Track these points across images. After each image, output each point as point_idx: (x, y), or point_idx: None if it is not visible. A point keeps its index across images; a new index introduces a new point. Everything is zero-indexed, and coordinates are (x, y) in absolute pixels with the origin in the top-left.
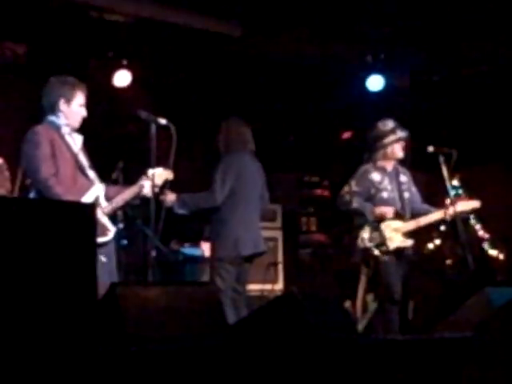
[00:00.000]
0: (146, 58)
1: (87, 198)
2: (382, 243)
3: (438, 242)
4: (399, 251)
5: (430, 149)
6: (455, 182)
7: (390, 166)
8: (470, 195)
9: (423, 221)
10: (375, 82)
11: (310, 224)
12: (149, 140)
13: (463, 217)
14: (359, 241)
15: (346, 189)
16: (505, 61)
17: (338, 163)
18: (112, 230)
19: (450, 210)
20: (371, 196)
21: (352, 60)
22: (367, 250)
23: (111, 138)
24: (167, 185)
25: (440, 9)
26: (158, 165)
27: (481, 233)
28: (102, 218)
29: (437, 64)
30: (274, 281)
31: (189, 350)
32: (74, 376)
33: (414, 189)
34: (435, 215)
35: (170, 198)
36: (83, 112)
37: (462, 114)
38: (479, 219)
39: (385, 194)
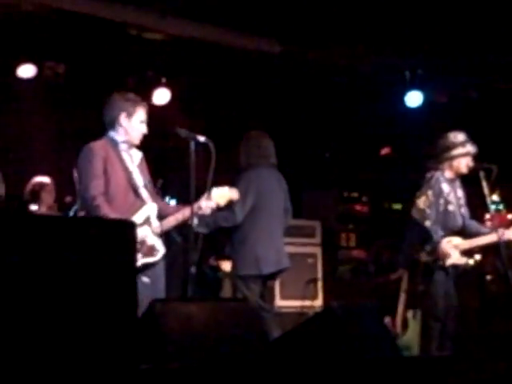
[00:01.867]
0: (185, 76)
1: (137, 218)
2: (440, 258)
3: (478, 257)
4: (453, 268)
5: (470, 164)
6: (495, 197)
7: (454, 178)
8: (510, 210)
9: (482, 241)
10: (414, 98)
11: (349, 240)
12: (188, 157)
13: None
14: (421, 255)
15: (423, 199)
16: None
17: (376, 179)
18: (161, 251)
19: (506, 234)
20: (439, 206)
21: (391, 76)
22: (425, 264)
23: (150, 156)
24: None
25: (479, 24)
26: (197, 182)
27: None
28: (152, 238)
29: (475, 79)
30: (314, 297)
31: (229, 366)
32: None
33: (465, 204)
34: (492, 237)
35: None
36: (144, 129)
37: (502, 128)
38: None
39: (451, 207)
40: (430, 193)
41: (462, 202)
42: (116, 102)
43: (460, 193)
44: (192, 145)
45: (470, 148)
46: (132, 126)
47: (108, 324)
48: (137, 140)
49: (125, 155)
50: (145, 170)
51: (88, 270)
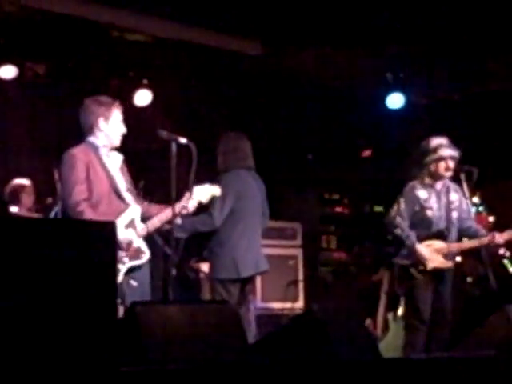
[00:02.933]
0: (167, 78)
1: (122, 221)
2: (419, 262)
3: (458, 259)
4: (437, 272)
5: (450, 167)
6: (476, 199)
7: (439, 183)
8: (491, 212)
9: (467, 245)
10: (395, 100)
11: (330, 242)
12: (169, 159)
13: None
14: (397, 258)
15: (395, 208)
16: None
17: (358, 181)
18: (147, 253)
19: (496, 238)
20: (415, 213)
21: (372, 78)
22: (403, 267)
23: (131, 157)
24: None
25: (460, 26)
26: (177, 184)
27: (502, 251)
28: (137, 240)
29: (457, 81)
30: (295, 299)
31: (210, 368)
32: None
33: (465, 207)
34: (479, 241)
35: None
36: (122, 128)
37: (483, 130)
38: None
39: (429, 213)
40: (401, 200)
41: (455, 206)
42: (91, 108)
43: (454, 197)
44: (173, 146)
45: (444, 152)
46: (111, 128)
47: (87, 326)
48: (117, 141)
49: (106, 159)
50: (126, 173)
51: (68, 271)
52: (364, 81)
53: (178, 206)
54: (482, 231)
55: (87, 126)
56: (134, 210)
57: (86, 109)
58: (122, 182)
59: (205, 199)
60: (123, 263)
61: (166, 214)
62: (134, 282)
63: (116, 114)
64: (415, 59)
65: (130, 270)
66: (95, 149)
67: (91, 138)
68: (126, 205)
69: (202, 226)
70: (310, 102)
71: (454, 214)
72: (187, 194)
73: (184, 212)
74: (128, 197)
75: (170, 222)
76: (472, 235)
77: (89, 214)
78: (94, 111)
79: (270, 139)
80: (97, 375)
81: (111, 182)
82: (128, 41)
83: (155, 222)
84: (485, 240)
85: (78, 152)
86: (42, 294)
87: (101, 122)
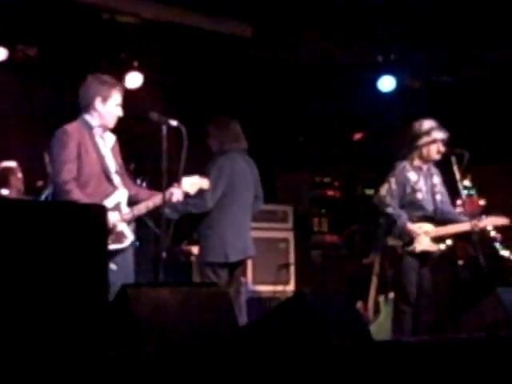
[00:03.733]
0: (158, 60)
1: (107, 204)
2: (409, 243)
3: (449, 242)
4: (424, 254)
5: (441, 149)
6: (467, 182)
7: (425, 166)
8: (482, 195)
9: (453, 229)
10: (386, 83)
11: (321, 225)
12: (160, 141)
13: (473, 217)
14: (388, 238)
15: (385, 186)
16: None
17: (349, 164)
18: (129, 238)
19: (481, 223)
20: (406, 195)
21: (363, 61)
22: (392, 248)
23: (122, 140)
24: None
25: (452, 9)
26: (168, 166)
27: (493, 233)
28: (121, 224)
29: (448, 64)
30: (286, 282)
31: (200, 351)
32: (85, 379)
33: (444, 190)
34: (465, 226)
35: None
36: (119, 112)
37: (474, 114)
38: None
39: (419, 195)
40: (392, 180)
41: (438, 189)
42: (91, 86)
43: (436, 180)
44: (164, 129)
45: (437, 135)
46: (107, 110)
47: (78, 309)
48: (112, 124)
49: (99, 140)
50: (117, 154)
51: (58, 254)
52: (355, 63)
53: (167, 193)
54: (463, 215)
55: (84, 103)
56: (121, 193)
57: (86, 85)
58: (112, 164)
59: (192, 191)
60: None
61: (153, 201)
62: (113, 266)
63: (115, 97)
64: (406, 42)
65: (111, 254)
66: (89, 128)
67: (86, 116)
68: (114, 187)
69: (194, 207)
70: (301, 85)
71: (438, 197)
72: (176, 184)
73: (173, 199)
74: (116, 179)
75: (156, 209)
76: (453, 219)
77: (76, 194)
78: (93, 89)
79: (261, 122)
80: (87, 358)
81: (101, 163)
82: (119, 23)
83: (141, 208)
84: (470, 225)
85: (71, 129)
86: (31, 277)
87: (98, 101)
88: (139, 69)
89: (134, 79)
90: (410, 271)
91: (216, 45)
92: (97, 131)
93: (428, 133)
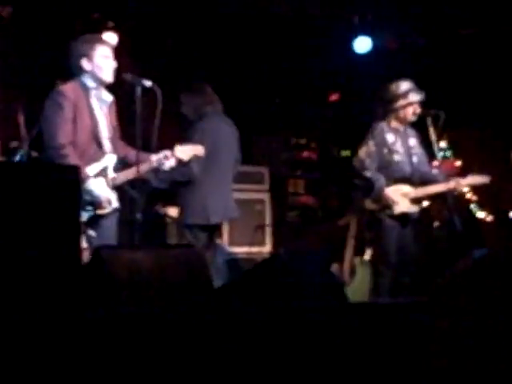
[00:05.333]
0: (133, 20)
1: (94, 168)
2: (387, 206)
3: (425, 203)
4: (404, 216)
5: (417, 111)
6: (443, 144)
7: (402, 127)
8: (458, 157)
9: (433, 189)
10: (362, 44)
11: (297, 186)
12: (134, 102)
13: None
14: (365, 202)
15: (364, 149)
16: (494, 22)
17: (325, 125)
18: (113, 205)
19: (461, 182)
20: (383, 156)
21: (339, 21)
22: (371, 212)
23: None
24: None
25: None
26: (143, 128)
27: (468, 195)
28: (105, 190)
29: (425, 25)
30: (262, 243)
31: (175, 312)
32: (59, 341)
33: (421, 152)
34: (444, 186)
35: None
36: (110, 64)
37: (450, 74)
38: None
39: (396, 157)
40: (371, 143)
41: (415, 151)
42: (74, 49)
43: (412, 142)
44: (138, 90)
45: (414, 97)
46: (96, 65)
47: (52, 271)
48: (108, 77)
49: (94, 102)
50: (113, 114)
51: (31, 215)
52: (331, 24)
53: (154, 161)
54: (442, 175)
55: (75, 68)
56: (109, 158)
57: (70, 51)
58: (105, 129)
59: (186, 158)
60: (86, 211)
61: (133, 171)
62: (92, 233)
63: (100, 50)
64: (382, 2)
65: (93, 219)
66: (86, 89)
67: (83, 78)
68: (103, 153)
69: (181, 176)
70: (277, 46)
71: (415, 159)
72: (166, 153)
73: (166, 166)
74: (107, 144)
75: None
76: (431, 179)
77: (73, 159)
78: (76, 52)
79: (237, 83)
80: (62, 320)
81: (94, 127)
82: None
83: (128, 174)
84: (450, 184)
85: (67, 90)
86: (5, 238)
87: (84, 62)
88: (114, 29)
89: (108, 39)
90: (390, 233)
91: (190, 5)
92: (93, 93)
93: (404, 95)
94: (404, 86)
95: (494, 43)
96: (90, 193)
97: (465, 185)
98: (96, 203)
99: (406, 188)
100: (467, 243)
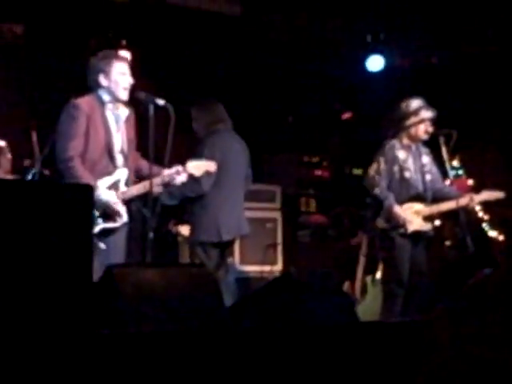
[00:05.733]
0: (146, 39)
1: (105, 182)
2: (398, 225)
3: (437, 222)
4: (416, 234)
5: (429, 129)
6: (455, 163)
7: (414, 145)
8: (470, 176)
9: (445, 206)
10: (375, 63)
11: (309, 205)
12: (147, 121)
13: None
14: (377, 221)
15: (374, 167)
16: (506, 41)
17: (337, 143)
18: (123, 217)
19: (475, 198)
20: (394, 174)
21: (352, 40)
22: (383, 231)
23: None
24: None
25: None
26: (156, 145)
27: (480, 214)
28: (116, 204)
29: (437, 44)
30: (273, 262)
31: (185, 331)
32: (70, 358)
33: (434, 169)
34: (458, 202)
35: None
36: (128, 80)
37: (463, 94)
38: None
39: (407, 174)
40: (381, 160)
41: (428, 168)
42: (92, 65)
43: (425, 159)
44: (151, 108)
45: (425, 114)
46: (113, 81)
47: (63, 289)
48: (123, 95)
49: (109, 115)
50: (130, 128)
51: (44, 233)
52: (344, 43)
53: (166, 176)
54: (455, 192)
55: (93, 84)
56: (121, 172)
57: (89, 66)
58: (119, 143)
59: (198, 174)
60: (96, 224)
61: (144, 185)
62: (102, 245)
63: (118, 66)
64: (395, 21)
65: (102, 233)
66: (101, 103)
67: (100, 91)
68: (115, 167)
69: (191, 192)
70: (291, 64)
71: (428, 177)
72: (178, 168)
73: (178, 181)
74: (120, 159)
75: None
76: (445, 197)
77: (80, 171)
78: (94, 67)
79: (251, 101)
80: (73, 337)
81: (107, 140)
82: (107, 1)
83: (139, 188)
84: (463, 201)
85: (81, 103)
86: (17, 257)
87: (101, 77)
88: (127, 47)
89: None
90: (402, 253)
91: (205, 23)
92: (109, 106)
93: (416, 113)
94: (415, 103)
95: (505, 62)
96: (101, 203)
97: (479, 201)
98: (107, 215)
99: (418, 206)
100: (479, 263)
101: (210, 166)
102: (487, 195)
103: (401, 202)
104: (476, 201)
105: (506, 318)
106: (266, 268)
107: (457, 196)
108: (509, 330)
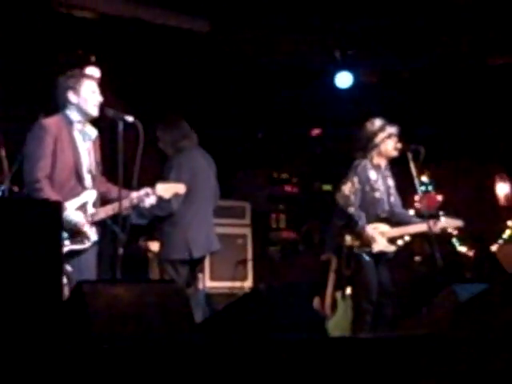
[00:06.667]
0: (115, 55)
1: (74, 203)
2: (367, 244)
3: (407, 238)
4: (379, 255)
5: (399, 145)
6: (424, 178)
7: (383, 164)
8: (439, 191)
9: (409, 230)
10: (344, 79)
11: (279, 221)
12: (116, 138)
13: (431, 213)
14: (345, 239)
15: (348, 185)
16: (471, 57)
17: (306, 160)
18: (91, 239)
19: (436, 226)
20: (365, 193)
21: (321, 57)
22: (350, 248)
23: None
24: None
25: (407, 5)
26: (124, 163)
27: (450, 229)
28: (84, 225)
29: (405, 60)
30: (244, 278)
31: (156, 347)
32: (39, 376)
33: (396, 193)
34: (419, 227)
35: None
36: (96, 98)
37: (432, 109)
38: (448, 216)
39: (377, 195)
40: (355, 180)
41: (392, 191)
42: (61, 83)
43: (390, 182)
44: (120, 125)
45: (391, 129)
46: (82, 98)
47: (32, 306)
48: (93, 111)
49: (77, 135)
50: (97, 149)
51: (14, 249)
52: (313, 59)
53: (135, 198)
54: (414, 218)
55: (61, 103)
56: (89, 194)
57: (57, 85)
58: (86, 163)
59: (167, 196)
60: (64, 246)
61: (113, 207)
62: (68, 268)
63: (87, 84)
64: (363, 37)
65: (69, 254)
66: (69, 123)
67: (67, 111)
68: (83, 188)
69: (160, 211)
70: (260, 80)
71: (392, 199)
72: (148, 190)
73: (146, 204)
74: (88, 179)
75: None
76: (405, 221)
77: (47, 193)
78: (63, 84)
79: (219, 117)
80: (43, 354)
81: (75, 161)
82: (76, 18)
83: (108, 210)
84: (424, 227)
85: (48, 123)
86: None
87: (70, 94)
88: (96, 63)
89: (93, 74)
90: (369, 269)
91: (173, 40)
92: (77, 126)
93: (382, 129)
94: (378, 121)
95: (476, 76)
96: (69, 224)
97: (438, 228)
98: (74, 237)
99: (383, 227)
100: (447, 278)
101: (179, 188)
102: (446, 223)
103: (369, 222)
104: (435, 229)
105: None
106: (237, 284)
107: (417, 221)
108: None
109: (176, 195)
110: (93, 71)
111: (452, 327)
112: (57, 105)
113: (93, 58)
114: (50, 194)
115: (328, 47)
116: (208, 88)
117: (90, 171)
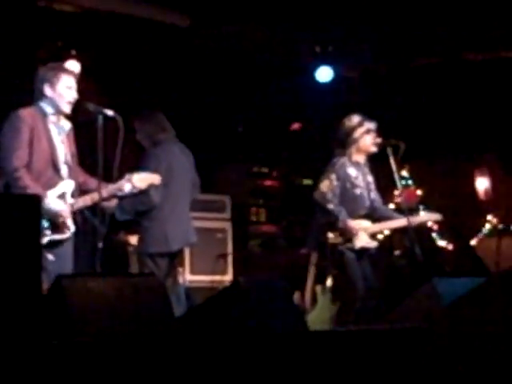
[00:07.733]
0: (95, 49)
1: (52, 194)
2: (349, 240)
3: (386, 232)
4: (362, 251)
5: (378, 140)
6: (404, 173)
7: (362, 160)
8: (419, 186)
9: (389, 225)
10: (324, 74)
11: (259, 215)
12: (96, 131)
13: (411, 207)
14: (328, 236)
15: (326, 183)
16: (453, 53)
17: (286, 154)
18: (71, 229)
19: (414, 220)
20: (346, 190)
21: (301, 51)
22: (333, 246)
23: None
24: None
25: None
26: (105, 156)
27: (429, 223)
28: (65, 214)
29: (385, 56)
30: (224, 272)
31: (135, 341)
32: (19, 370)
33: (375, 188)
34: (400, 222)
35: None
36: (71, 95)
37: (411, 104)
38: (428, 210)
39: (358, 191)
40: (333, 177)
41: (372, 187)
42: (39, 74)
43: (370, 178)
44: (100, 119)
45: (369, 125)
46: (58, 93)
47: (12, 301)
48: (66, 108)
49: (52, 127)
50: (71, 142)
51: None
52: (293, 54)
53: (113, 188)
54: (393, 213)
55: (37, 93)
56: (67, 184)
57: (36, 75)
58: (62, 154)
59: (143, 186)
60: (45, 235)
61: (91, 197)
62: (50, 256)
63: (64, 79)
64: (343, 32)
65: (51, 244)
66: (44, 114)
67: (42, 103)
68: (60, 178)
69: (141, 205)
70: (240, 75)
71: (372, 195)
72: (126, 177)
73: (119, 193)
74: (64, 170)
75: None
76: (385, 216)
77: (26, 181)
78: (41, 76)
79: (199, 111)
80: (22, 348)
81: (51, 152)
82: (56, 11)
83: (87, 200)
84: (404, 222)
85: (25, 114)
86: None
87: (46, 87)
88: (77, 57)
89: (71, 67)
90: (354, 266)
91: (153, 34)
92: (52, 119)
93: (360, 124)
94: (355, 117)
95: (453, 72)
96: (50, 213)
97: (417, 222)
98: (55, 226)
99: (364, 223)
100: (427, 271)
101: (155, 178)
102: (426, 217)
103: (351, 218)
104: (415, 222)
105: None
106: (217, 278)
107: (397, 216)
108: None
109: (151, 186)
110: (73, 65)
111: (431, 321)
112: (34, 96)
113: (73, 52)
114: (28, 182)
115: (308, 42)
116: (188, 82)
117: (66, 162)
